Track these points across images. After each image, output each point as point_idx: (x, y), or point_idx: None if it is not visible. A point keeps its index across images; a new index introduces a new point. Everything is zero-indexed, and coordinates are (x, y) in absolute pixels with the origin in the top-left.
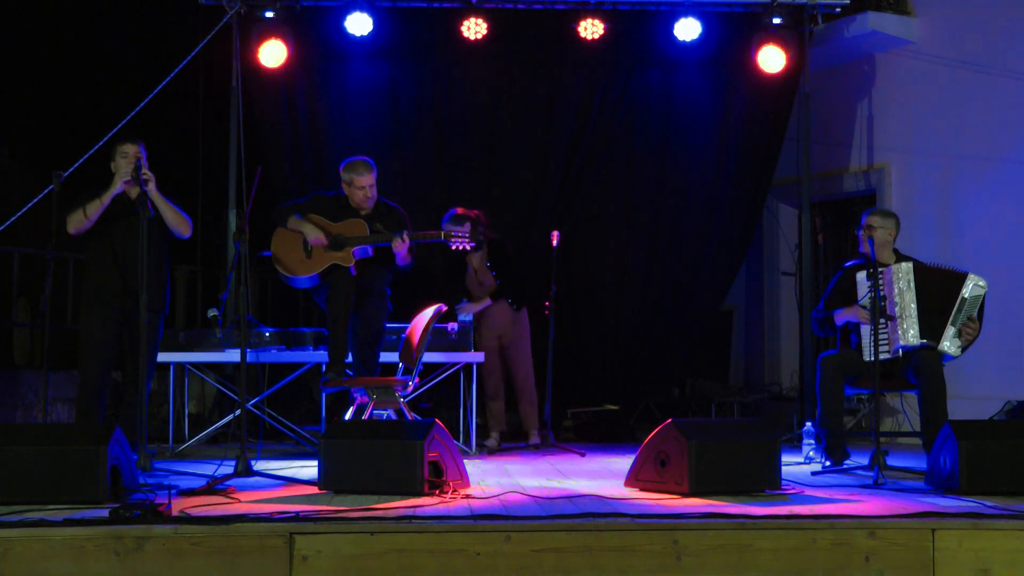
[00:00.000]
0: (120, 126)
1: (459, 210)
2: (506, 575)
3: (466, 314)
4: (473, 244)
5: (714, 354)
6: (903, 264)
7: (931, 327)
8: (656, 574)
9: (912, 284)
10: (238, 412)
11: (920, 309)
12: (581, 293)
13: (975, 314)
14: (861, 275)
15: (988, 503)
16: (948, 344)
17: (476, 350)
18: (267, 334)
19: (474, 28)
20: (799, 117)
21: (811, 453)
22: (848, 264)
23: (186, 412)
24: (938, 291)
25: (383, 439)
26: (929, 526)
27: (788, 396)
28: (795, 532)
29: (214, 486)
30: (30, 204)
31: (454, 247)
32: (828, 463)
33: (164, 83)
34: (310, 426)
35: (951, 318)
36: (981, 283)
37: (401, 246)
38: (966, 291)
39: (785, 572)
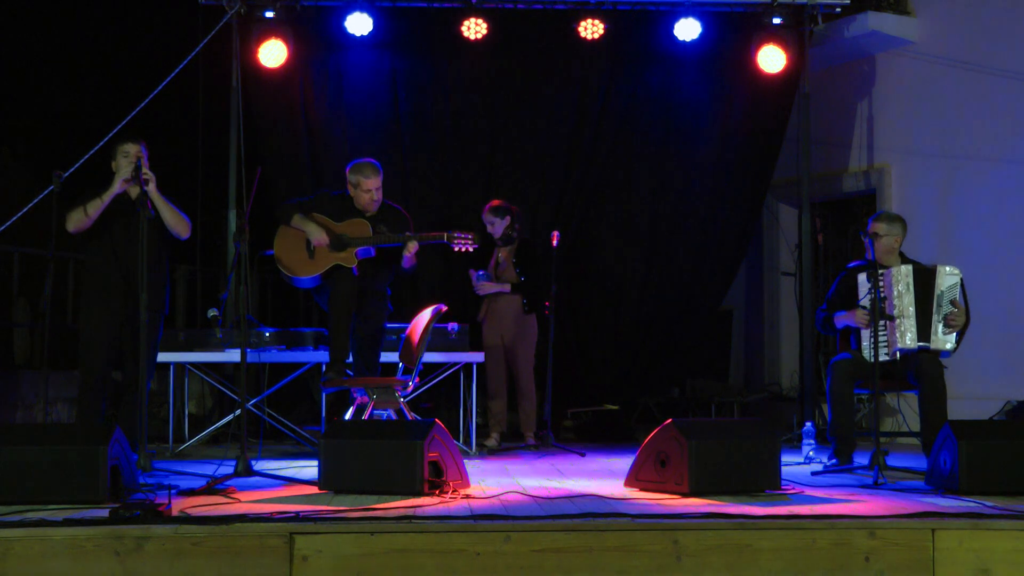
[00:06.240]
0: (120, 126)
1: (497, 202)
2: (506, 575)
3: (480, 282)
4: (476, 246)
5: (714, 354)
6: (903, 267)
7: (924, 328)
8: (656, 574)
9: (911, 287)
10: (238, 412)
11: (918, 311)
12: (581, 293)
13: (957, 300)
14: (862, 277)
15: (988, 503)
16: (940, 340)
17: (479, 348)
18: (267, 334)
19: (474, 28)
20: (799, 117)
21: (811, 453)
22: (851, 265)
23: (186, 412)
24: (924, 291)
25: (383, 439)
26: (929, 526)
27: (788, 396)
28: (795, 532)
29: (214, 486)
30: (30, 204)
31: (457, 249)
32: (832, 463)
33: (164, 83)
34: (310, 426)
35: (934, 314)
36: (951, 270)
37: (412, 249)
38: (940, 283)
39: (785, 572)
